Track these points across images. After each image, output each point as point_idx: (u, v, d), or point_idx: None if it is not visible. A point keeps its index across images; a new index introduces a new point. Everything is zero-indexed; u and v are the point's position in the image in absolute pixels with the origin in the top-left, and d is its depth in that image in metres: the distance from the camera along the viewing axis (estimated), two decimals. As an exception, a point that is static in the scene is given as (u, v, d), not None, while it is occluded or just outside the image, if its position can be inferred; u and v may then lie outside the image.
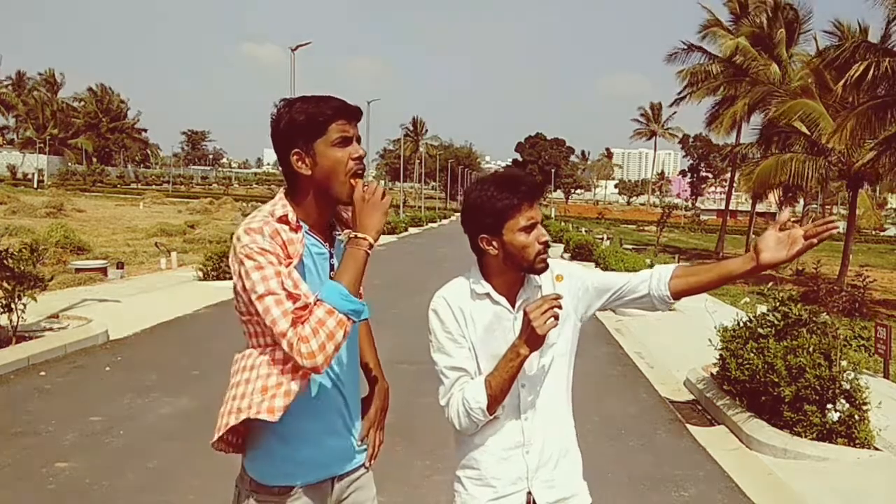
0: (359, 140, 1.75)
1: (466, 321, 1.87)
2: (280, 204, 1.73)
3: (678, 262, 19.68)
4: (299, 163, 1.70)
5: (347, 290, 1.64)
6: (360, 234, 1.69)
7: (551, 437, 1.90)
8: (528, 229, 1.79)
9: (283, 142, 1.72)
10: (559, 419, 1.93)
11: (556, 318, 1.70)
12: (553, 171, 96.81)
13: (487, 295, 1.86)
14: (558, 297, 1.70)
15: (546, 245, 1.82)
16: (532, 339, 1.71)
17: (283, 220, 1.70)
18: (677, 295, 1.91)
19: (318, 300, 1.63)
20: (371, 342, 2.10)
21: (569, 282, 1.92)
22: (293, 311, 1.60)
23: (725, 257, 26.81)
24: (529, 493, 1.88)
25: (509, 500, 1.88)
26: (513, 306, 1.87)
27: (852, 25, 18.84)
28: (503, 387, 1.78)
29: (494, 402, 1.79)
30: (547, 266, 1.84)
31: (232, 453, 1.85)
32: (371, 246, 1.70)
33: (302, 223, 1.74)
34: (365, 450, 1.92)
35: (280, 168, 1.77)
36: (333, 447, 1.82)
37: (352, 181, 1.73)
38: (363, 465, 1.91)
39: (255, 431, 1.78)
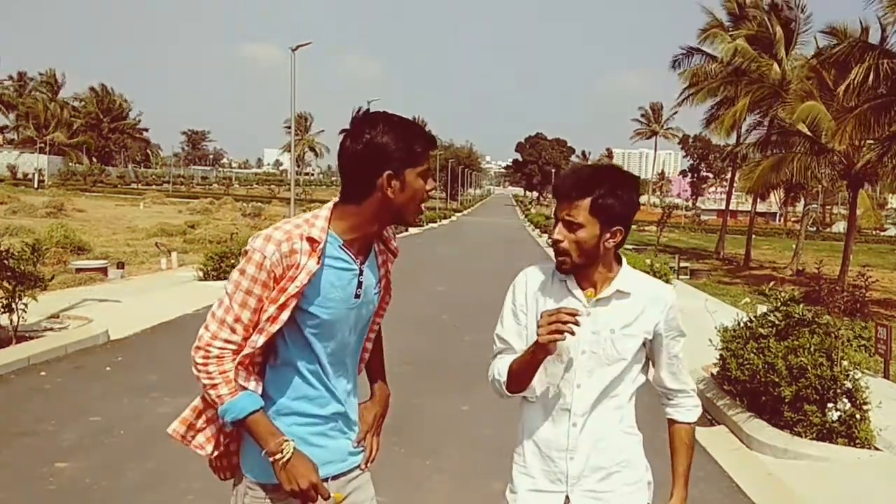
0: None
1: (537, 302, 1.89)
2: (321, 225, 1.71)
3: (678, 263, 19.55)
4: (388, 185, 1.69)
5: (239, 417, 1.69)
6: (274, 459, 1.69)
7: (603, 449, 1.87)
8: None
9: (374, 160, 1.69)
10: (617, 431, 1.90)
11: (572, 332, 1.68)
12: (553, 171, 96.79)
13: (565, 283, 1.88)
14: (574, 314, 1.69)
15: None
16: (539, 344, 1.72)
17: (311, 240, 1.69)
18: (669, 421, 2.05)
19: (237, 390, 1.69)
20: (380, 349, 2.10)
21: (650, 305, 1.87)
22: (229, 336, 1.68)
23: (726, 257, 26.33)
24: (568, 497, 1.87)
25: (546, 497, 1.88)
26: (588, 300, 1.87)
27: (850, 27, 18.82)
28: (520, 374, 1.84)
29: (512, 384, 1.86)
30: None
31: (230, 478, 1.91)
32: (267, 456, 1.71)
33: (338, 237, 1.74)
34: (361, 451, 1.94)
35: (346, 177, 1.73)
36: (328, 447, 1.83)
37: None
38: (359, 466, 1.93)
39: None
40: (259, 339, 1.69)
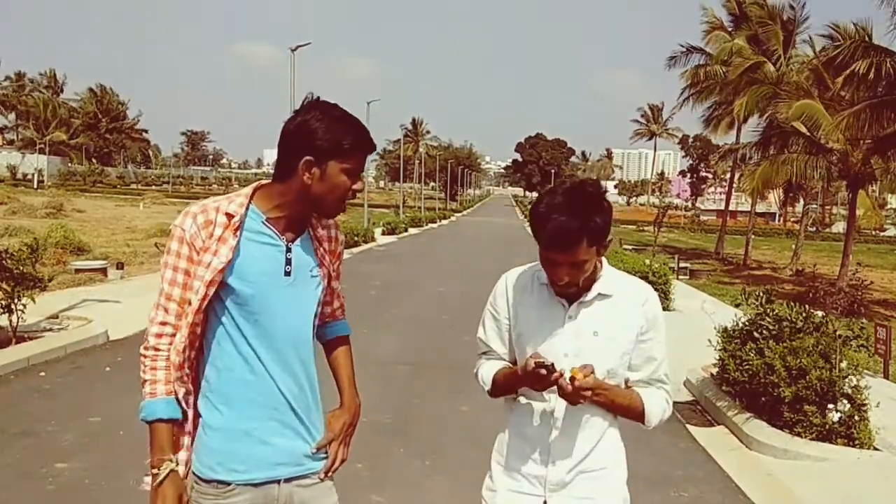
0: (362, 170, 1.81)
1: (517, 305, 1.91)
2: (239, 201, 1.76)
3: (677, 263, 19.53)
4: (307, 170, 1.71)
5: (147, 419, 1.73)
6: (152, 475, 1.73)
7: (584, 455, 1.85)
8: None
9: (299, 143, 1.71)
10: (599, 438, 1.87)
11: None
12: (553, 171, 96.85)
13: (547, 286, 1.87)
14: (549, 368, 1.71)
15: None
16: (522, 378, 1.78)
17: (228, 215, 1.73)
18: None
19: (156, 392, 1.72)
20: (347, 356, 2.06)
21: (632, 307, 1.86)
22: (164, 317, 1.73)
23: (725, 258, 26.26)
24: (546, 502, 1.86)
25: (525, 500, 1.88)
26: (570, 303, 1.85)
27: (849, 28, 18.80)
28: (503, 388, 1.91)
29: (496, 392, 1.93)
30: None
31: None
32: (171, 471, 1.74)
33: (260, 213, 1.76)
34: (321, 459, 1.88)
35: (277, 156, 1.78)
36: (277, 446, 1.79)
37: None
38: (317, 474, 1.87)
39: (200, 424, 1.80)
40: (189, 316, 1.71)
